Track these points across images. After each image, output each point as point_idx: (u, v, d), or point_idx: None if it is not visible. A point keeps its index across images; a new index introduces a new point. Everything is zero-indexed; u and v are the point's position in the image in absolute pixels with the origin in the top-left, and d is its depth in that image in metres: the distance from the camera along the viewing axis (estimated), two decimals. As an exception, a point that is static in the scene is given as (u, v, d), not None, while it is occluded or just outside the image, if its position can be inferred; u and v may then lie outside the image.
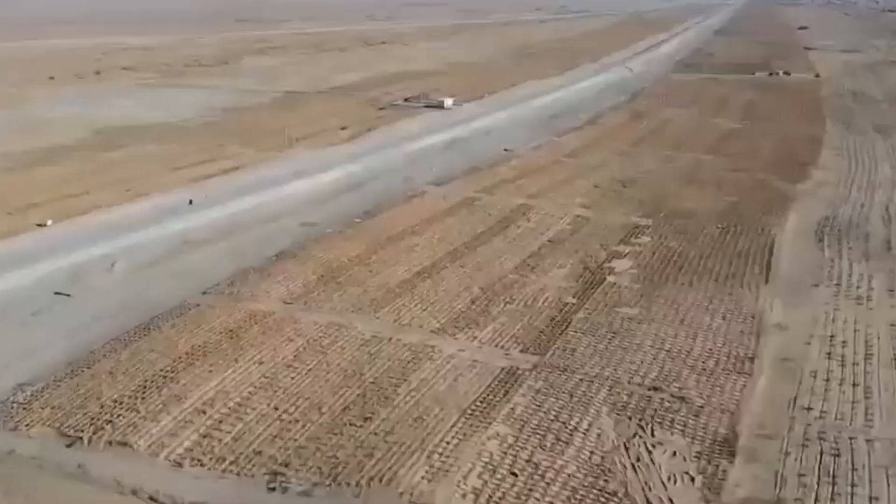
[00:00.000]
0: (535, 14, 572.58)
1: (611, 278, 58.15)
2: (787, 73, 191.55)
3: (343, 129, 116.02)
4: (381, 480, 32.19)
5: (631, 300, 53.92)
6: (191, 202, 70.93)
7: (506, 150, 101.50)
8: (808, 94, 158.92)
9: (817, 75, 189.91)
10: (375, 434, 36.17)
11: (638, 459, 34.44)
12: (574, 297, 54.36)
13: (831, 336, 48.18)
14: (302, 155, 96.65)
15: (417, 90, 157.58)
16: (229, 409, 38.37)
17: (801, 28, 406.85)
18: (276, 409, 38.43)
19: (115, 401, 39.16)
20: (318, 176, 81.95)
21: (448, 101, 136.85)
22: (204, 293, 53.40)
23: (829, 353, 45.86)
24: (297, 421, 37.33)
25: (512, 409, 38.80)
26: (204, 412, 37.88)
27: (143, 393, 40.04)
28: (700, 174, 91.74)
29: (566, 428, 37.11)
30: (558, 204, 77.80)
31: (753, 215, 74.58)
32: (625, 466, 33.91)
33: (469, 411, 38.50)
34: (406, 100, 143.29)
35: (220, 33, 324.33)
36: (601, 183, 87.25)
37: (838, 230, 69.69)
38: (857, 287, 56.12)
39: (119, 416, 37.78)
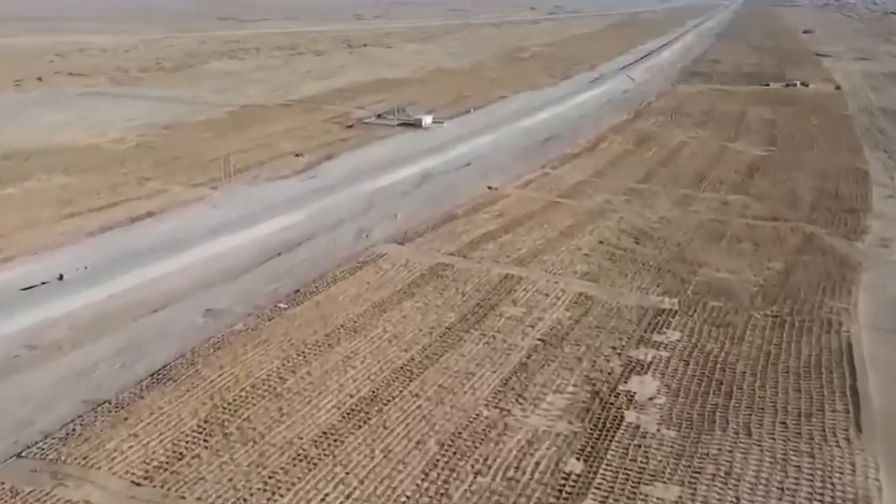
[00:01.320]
0: (528, 14, 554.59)
1: (631, 416, 40.10)
2: (804, 83, 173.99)
3: (298, 155, 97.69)
4: None
5: (664, 467, 35.82)
6: (61, 277, 52.35)
7: (490, 188, 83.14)
8: (834, 112, 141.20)
9: (838, 87, 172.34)
10: None
11: None
12: (579, 460, 36.16)
13: None
14: (235, 195, 78.16)
15: (394, 103, 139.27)
16: None
17: (805, 32, 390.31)
18: None
19: None
20: (246, 231, 63.25)
21: (426, 120, 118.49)
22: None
23: None
24: None
25: None
26: None
27: None
28: (729, 225, 73.72)
29: None
30: (554, 274, 59.65)
31: (811, 295, 56.64)
32: None
33: None
34: (379, 116, 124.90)
35: (194, 32, 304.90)
36: (607, 237, 69.16)
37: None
38: None
39: None
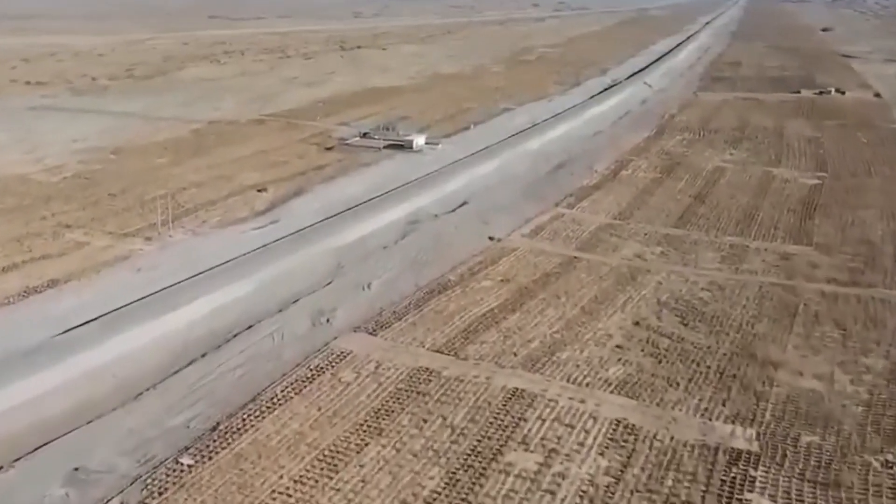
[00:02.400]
0: (533, 11, 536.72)
1: None
2: (840, 91, 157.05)
3: (261, 190, 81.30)
4: None
5: None
6: None
7: (491, 238, 66.68)
8: (882, 126, 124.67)
9: (877, 95, 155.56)
10: None
11: None
12: None
13: None
14: (169, 250, 61.84)
15: (384, 118, 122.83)
16: None
17: (823, 30, 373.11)
18: None
19: None
20: (158, 321, 46.84)
21: (418, 141, 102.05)
22: None
23: None
24: None
25: None
26: None
27: None
28: (799, 294, 57.41)
29: None
30: (579, 385, 43.50)
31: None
32: None
33: None
34: (364, 135, 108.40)
35: (180, 32, 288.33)
36: (645, 317, 52.81)
37: None
38: None
39: None
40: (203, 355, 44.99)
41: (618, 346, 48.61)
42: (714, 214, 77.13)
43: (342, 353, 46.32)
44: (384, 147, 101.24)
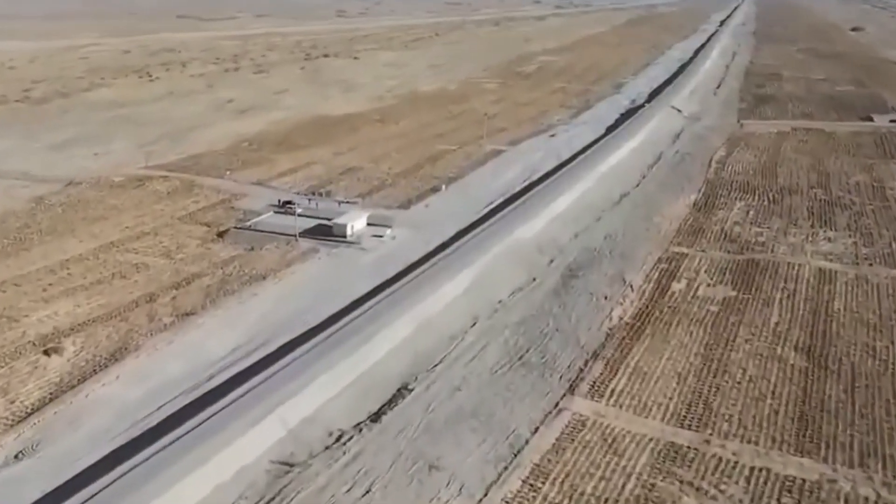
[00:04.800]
0: (533, 8, 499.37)
1: None
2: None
3: (49, 353, 46.37)
4: None
5: None
6: None
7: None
8: None
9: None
10: None
11: None
12: None
13: None
14: None
15: (323, 170, 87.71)
16: None
17: (854, 30, 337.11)
18: None
19: None
20: None
21: (356, 223, 66.97)
22: None
23: None
24: None
25: None
26: None
27: None
28: None
29: None
30: None
31: None
32: None
33: None
34: (283, 204, 73.45)
35: (131, 37, 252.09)
36: None
37: None
38: None
39: None
40: None
41: None
42: (862, 402, 41.81)
43: None
44: (302, 234, 66.01)
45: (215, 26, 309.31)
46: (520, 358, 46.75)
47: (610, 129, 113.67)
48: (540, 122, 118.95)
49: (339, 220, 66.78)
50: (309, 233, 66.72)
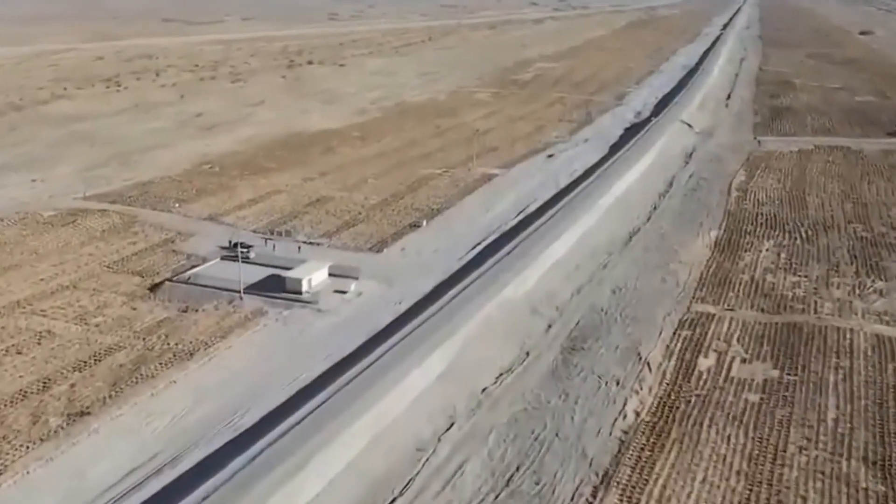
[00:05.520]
0: (531, 10, 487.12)
1: None
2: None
3: None
4: None
5: None
6: None
7: None
8: None
9: None
10: None
11: None
12: None
13: None
14: None
15: (287, 200, 76.39)
16: None
17: (862, 33, 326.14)
18: None
19: None
20: None
21: (315, 276, 55.94)
22: None
23: None
24: None
25: None
26: None
27: None
28: None
29: None
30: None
31: None
32: None
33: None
34: (235, 247, 61.95)
35: (110, 42, 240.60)
36: None
37: None
38: None
39: None
40: None
41: None
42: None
43: None
44: (249, 290, 54.66)
45: (198, 30, 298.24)
46: (507, 483, 35.45)
47: (614, 148, 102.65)
48: (536, 140, 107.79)
49: (294, 273, 55.49)
50: (258, 287, 55.50)
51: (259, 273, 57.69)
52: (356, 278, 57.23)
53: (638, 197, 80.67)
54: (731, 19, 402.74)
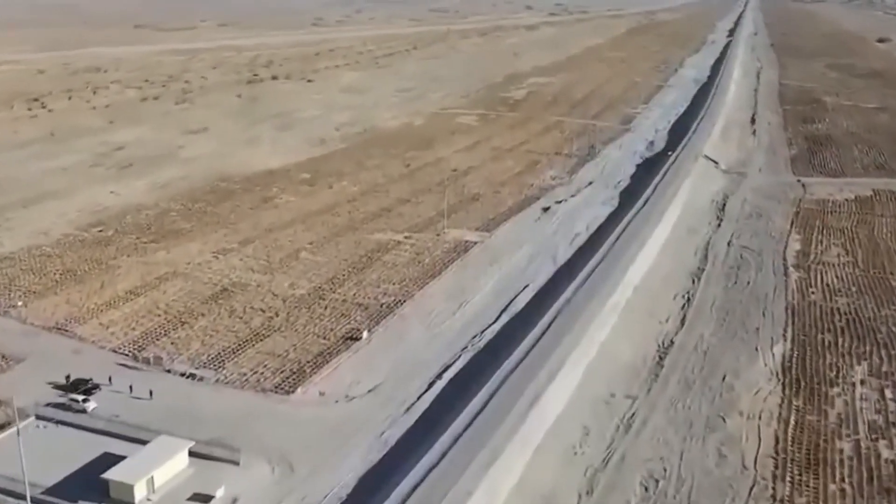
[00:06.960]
0: (525, 15, 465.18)
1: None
2: None
3: None
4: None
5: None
6: None
7: None
8: None
9: None
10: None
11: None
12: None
13: None
14: None
15: (181, 294, 54.92)
16: None
17: (880, 41, 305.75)
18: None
19: None
20: None
21: (163, 469, 34.85)
22: None
23: None
24: None
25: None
26: None
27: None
28: None
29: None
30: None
31: None
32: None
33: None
34: (72, 388, 40.45)
35: (61, 51, 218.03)
36: None
37: None
38: None
39: None
40: None
41: None
42: None
43: None
44: (51, 492, 33.19)
45: (168, 38, 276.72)
46: None
47: (626, 196, 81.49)
48: (528, 184, 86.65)
49: (124, 469, 33.87)
50: (64, 490, 33.87)
51: (85, 449, 36.26)
52: (236, 463, 35.80)
53: (664, 283, 59.16)
54: (735, 25, 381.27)
